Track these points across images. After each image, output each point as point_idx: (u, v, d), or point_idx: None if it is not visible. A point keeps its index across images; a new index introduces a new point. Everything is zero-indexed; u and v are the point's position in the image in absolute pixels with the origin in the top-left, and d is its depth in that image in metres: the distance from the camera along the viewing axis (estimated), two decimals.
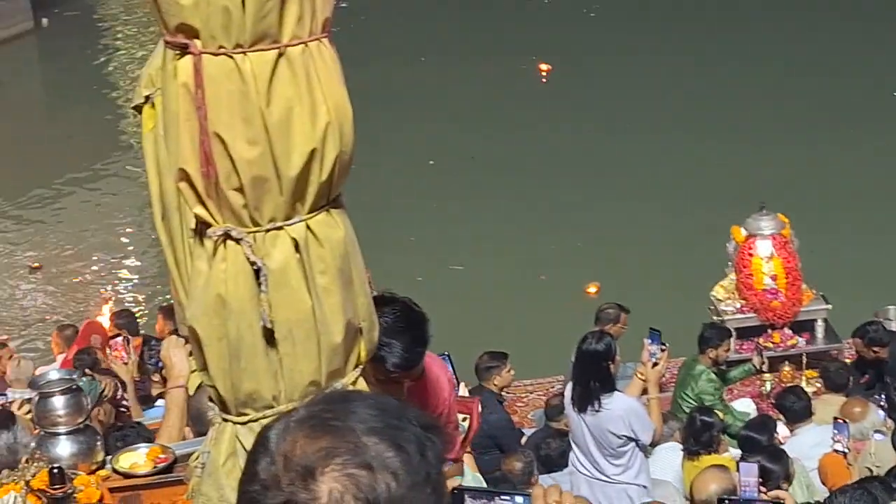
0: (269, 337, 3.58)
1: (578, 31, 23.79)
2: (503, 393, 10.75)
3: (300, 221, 3.55)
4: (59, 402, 5.42)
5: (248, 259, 3.52)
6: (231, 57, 3.39)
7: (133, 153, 19.83)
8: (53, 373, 5.89)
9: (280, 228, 3.54)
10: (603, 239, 16.09)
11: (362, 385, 3.76)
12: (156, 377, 9.89)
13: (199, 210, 3.55)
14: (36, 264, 16.77)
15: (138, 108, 5.51)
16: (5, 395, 8.41)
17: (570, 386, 8.70)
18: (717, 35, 22.90)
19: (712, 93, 20.41)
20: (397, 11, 25.01)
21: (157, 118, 5.44)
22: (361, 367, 3.75)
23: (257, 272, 3.52)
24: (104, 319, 12.07)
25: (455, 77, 21.79)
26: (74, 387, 5.44)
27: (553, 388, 11.88)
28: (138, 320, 12.22)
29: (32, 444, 5.37)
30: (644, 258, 15.46)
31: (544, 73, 21.95)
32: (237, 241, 3.52)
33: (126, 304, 14.60)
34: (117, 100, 22.79)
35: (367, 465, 1.80)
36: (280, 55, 3.41)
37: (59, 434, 5.43)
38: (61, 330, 12.00)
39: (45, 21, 26.48)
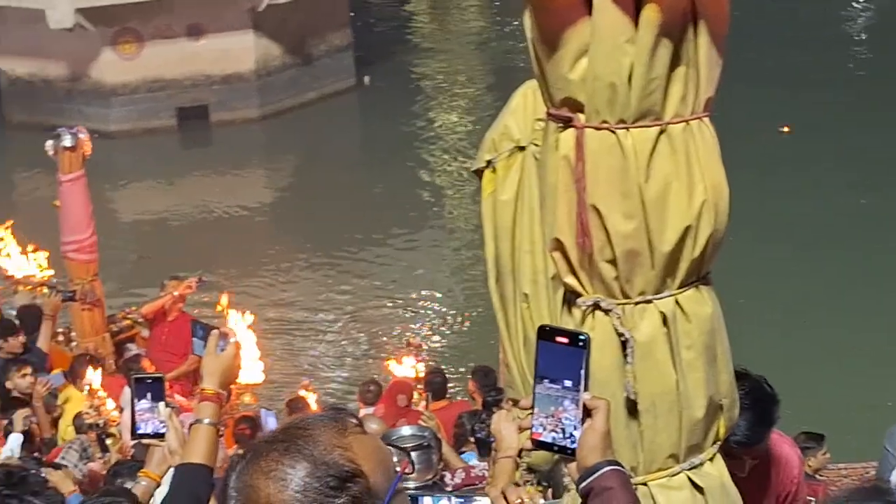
0: (632, 408, 3.62)
1: None
2: (816, 476, 10.47)
3: (669, 296, 3.58)
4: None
5: (615, 330, 3.57)
6: (613, 132, 3.46)
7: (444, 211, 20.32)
8: (406, 428, 5.98)
9: (649, 302, 3.58)
10: None
11: (719, 461, 3.77)
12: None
13: (571, 280, 3.62)
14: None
15: (478, 172, 5.67)
16: None
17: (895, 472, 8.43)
18: None
19: None
20: None
21: (496, 183, 5.59)
22: (720, 442, 3.76)
23: (624, 343, 3.57)
24: (409, 373, 12.01)
25: None
26: (426, 444, 5.52)
27: (868, 473, 11.48)
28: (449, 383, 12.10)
29: None
30: None
31: None
32: (606, 311, 3.58)
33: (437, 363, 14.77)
34: (431, 158, 23.41)
35: None
36: (661, 132, 3.46)
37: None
38: (365, 385, 11.93)
39: (367, 79, 27.38)
